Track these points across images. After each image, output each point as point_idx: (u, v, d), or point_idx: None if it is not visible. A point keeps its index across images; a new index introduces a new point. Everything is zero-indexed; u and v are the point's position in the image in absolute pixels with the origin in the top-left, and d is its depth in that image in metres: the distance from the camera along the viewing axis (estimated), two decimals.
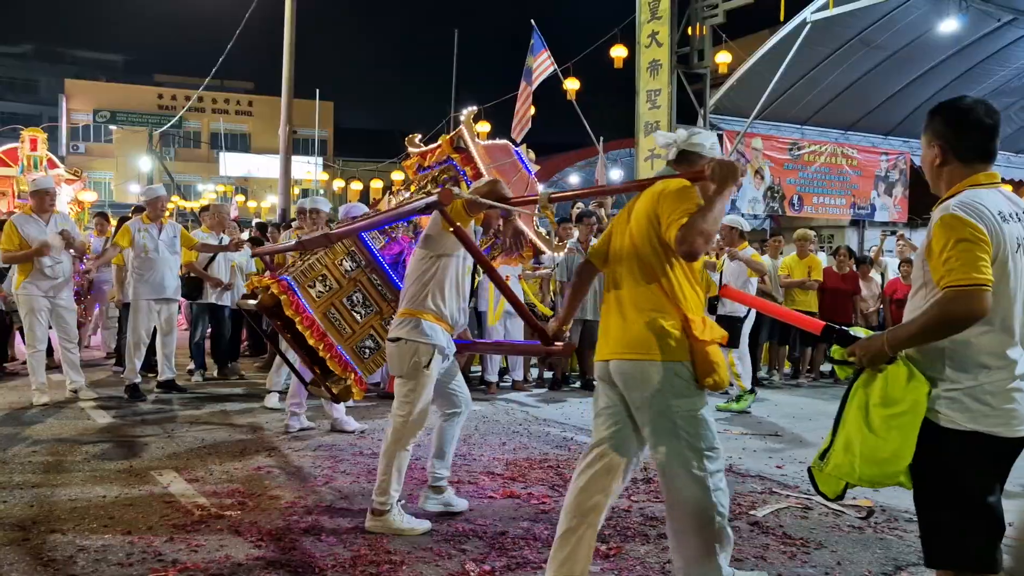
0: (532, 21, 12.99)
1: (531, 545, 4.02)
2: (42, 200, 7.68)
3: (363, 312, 5.05)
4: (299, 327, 4.80)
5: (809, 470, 2.68)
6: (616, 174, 19.33)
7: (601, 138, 16.22)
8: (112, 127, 44.71)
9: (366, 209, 6.39)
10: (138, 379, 7.84)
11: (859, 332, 2.65)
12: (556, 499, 4.79)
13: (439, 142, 5.60)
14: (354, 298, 5.03)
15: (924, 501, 2.51)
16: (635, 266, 3.14)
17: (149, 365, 8.53)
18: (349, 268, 5.05)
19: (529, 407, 7.86)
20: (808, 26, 12.33)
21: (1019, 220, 2.48)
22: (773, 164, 14.65)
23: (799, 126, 15.59)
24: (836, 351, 2.64)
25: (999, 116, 2.56)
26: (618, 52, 12.95)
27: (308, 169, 34.81)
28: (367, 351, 5.02)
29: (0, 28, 73.13)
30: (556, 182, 23.75)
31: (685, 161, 3.29)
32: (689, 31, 12.35)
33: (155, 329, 8.07)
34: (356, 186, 32.18)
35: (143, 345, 7.94)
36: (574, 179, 23.18)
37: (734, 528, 4.29)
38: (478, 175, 5.16)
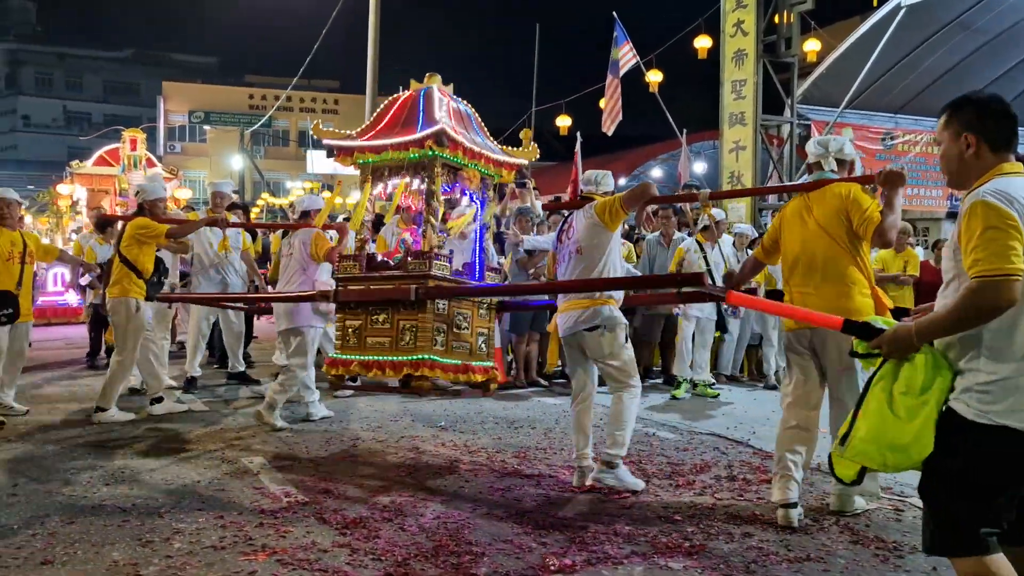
0: (614, 13, 12.89)
1: (612, 540, 3.99)
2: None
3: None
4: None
5: (829, 456, 2.69)
6: (699, 167, 19.00)
7: (684, 130, 15.99)
8: (206, 127, 46.33)
9: (322, 203, 6.89)
10: (198, 372, 8.23)
11: (878, 322, 2.62)
12: (638, 496, 4.75)
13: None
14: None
15: (937, 492, 2.47)
16: (829, 253, 4.27)
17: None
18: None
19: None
20: (903, 10, 11.87)
21: None
22: (864, 155, 14.15)
23: (892, 115, 15.01)
24: (859, 345, 2.63)
25: None
26: (702, 43, 12.72)
27: None
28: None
29: (105, 34, 76.50)
30: (638, 175, 23.50)
31: (842, 167, 4.48)
32: (776, 19, 12.03)
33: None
34: None
35: (204, 340, 8.43)
36: (657, 172, 22.89)
37: (822, 529, 4.18)
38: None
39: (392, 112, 5.75)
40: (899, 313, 9.71)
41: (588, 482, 4.86)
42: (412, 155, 5.44)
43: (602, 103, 13.56)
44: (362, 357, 5.45)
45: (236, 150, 39.32)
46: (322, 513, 4.30)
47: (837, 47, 13.24)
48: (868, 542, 4.01)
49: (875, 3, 10.69)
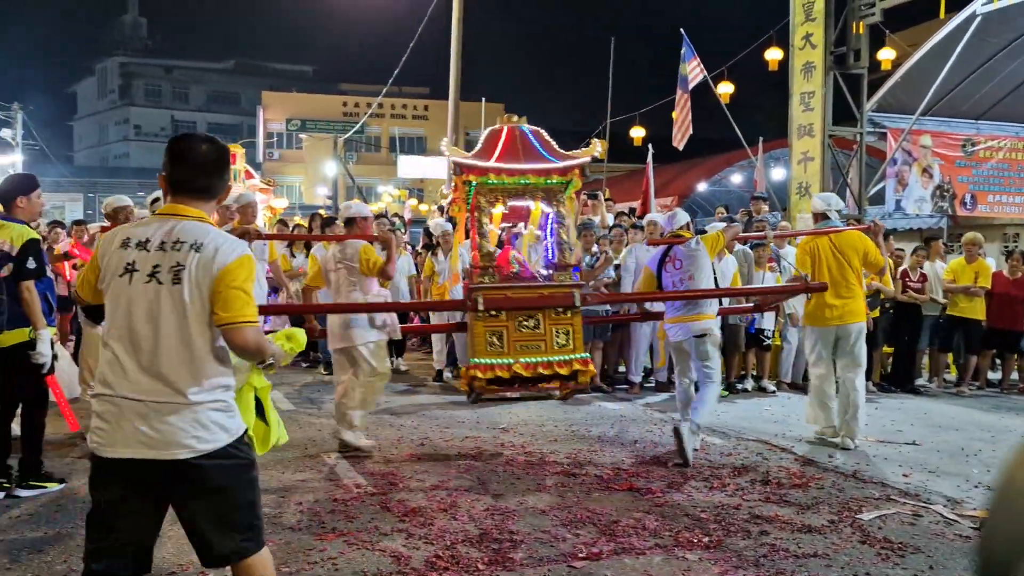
0: (681, 30, 13.21)
1: (639, 534, 4.46)
2: (245, 213, 8.82)
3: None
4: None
5: None
6: (778, 173, 19.01)
7: (761, 138, 16.12)
8: (302, 135, 48.20)
9: (368, 210, 6.87)
10: None
11: None
12: (672, 495, 5.19)
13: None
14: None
15: None
16: (847, 275, 6.64)
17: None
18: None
19: (668, 408, 8.20)
20: (978, 19, 11.79)
21: None
22: (943, 162, 14.02)
23: (973, 121, 14.77)
24: None
25: None
26: (773, 55, 12.91)
27: None
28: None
29: (208, 46, 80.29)
30: (719, 180, 23.60)
31: (840, 216, 7.14)
32: (852, 28, 12.10)
33: None
34: None
35: None
36: (736, 178, 22.95)
37: (835, 530, 4.55)
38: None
39: (503, 144, 6.43)
40: (968, 324, 9.78)
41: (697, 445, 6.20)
42: (548, 181, 6.35)
43: (674, 115, 13.90)
44: (510, 360, 6.19)
45: (330, 156, 40.87)
46: (386, 503, 4.92)
47: (912, 54, 13.19)
48: (875, 542, 4.36)
49: (942, 14, 10.68)
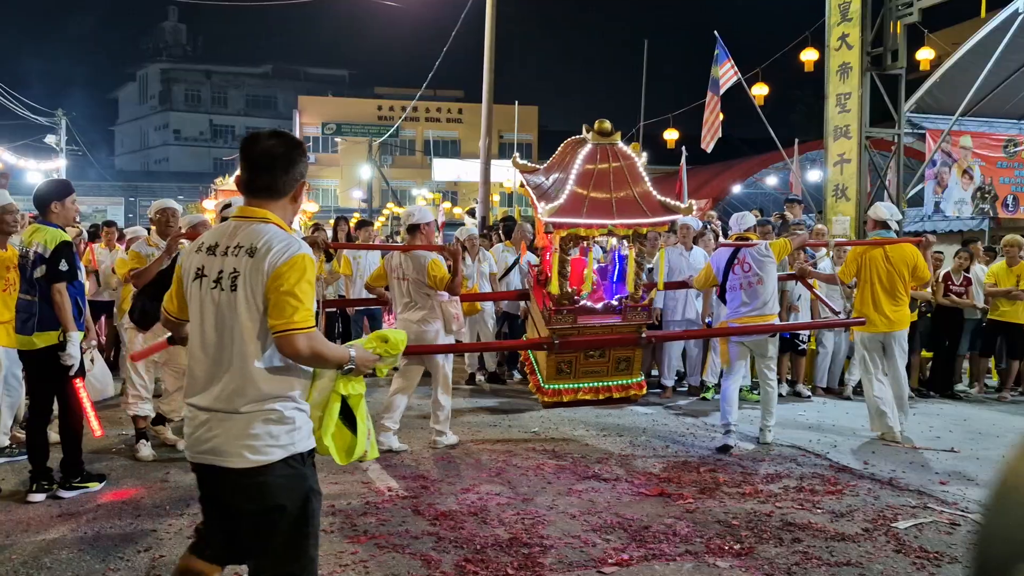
0: (716, 32, 13.12)
1: (670, 540, 4.44)
2: None
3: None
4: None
5: None
6: (814, 175, 18.79)
7: (796, 140, 15.97)
8: (337, 138, 48.65)
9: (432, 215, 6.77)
10: None
11: None
12: (703, 501, 5.16)
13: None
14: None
15: None
16: (897, 285, 7.02)
17: None
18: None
19: (700, 412, 8.15)
20: (1021, 16, 11.58)
21: None
22: (984, 163, 13.78)
23: (1016, 121, 14.50)
24: None
25: None
26: (809, 55, 12.77)
27: (508, 176, 36.15)
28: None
29: (246, 52, 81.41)
30: (753, 182, 23.39)
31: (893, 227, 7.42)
32: (890, 28, 11.93)
33: None
34: None
35: None
36: (771, 180, 22.72)
37: (870, 538, 4.49)
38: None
39: (594, 178, 6.12)
40: (1010, 329, 9.59)
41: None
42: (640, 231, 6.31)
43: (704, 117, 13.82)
44: (576, 385, 6.58)
45: (365, 160, 41.24)
46: (417, 506, 4.95)
47: (952, 54, 12.98)
48: (911, 551, 4.30)
49: (983, 13, 10.48)
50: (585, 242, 6.65)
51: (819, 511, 4.97)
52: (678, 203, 6.41)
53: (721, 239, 9.71)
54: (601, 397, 6.72)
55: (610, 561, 4.13)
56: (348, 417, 2.82)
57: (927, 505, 5.18)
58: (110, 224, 10.48)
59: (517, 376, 9.77)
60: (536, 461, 6.12)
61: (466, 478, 5.63)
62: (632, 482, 5.59)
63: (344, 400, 2.78)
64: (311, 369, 2.69)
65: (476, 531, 4.52)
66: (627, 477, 5.72)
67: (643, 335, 6.43)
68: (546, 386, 6.57)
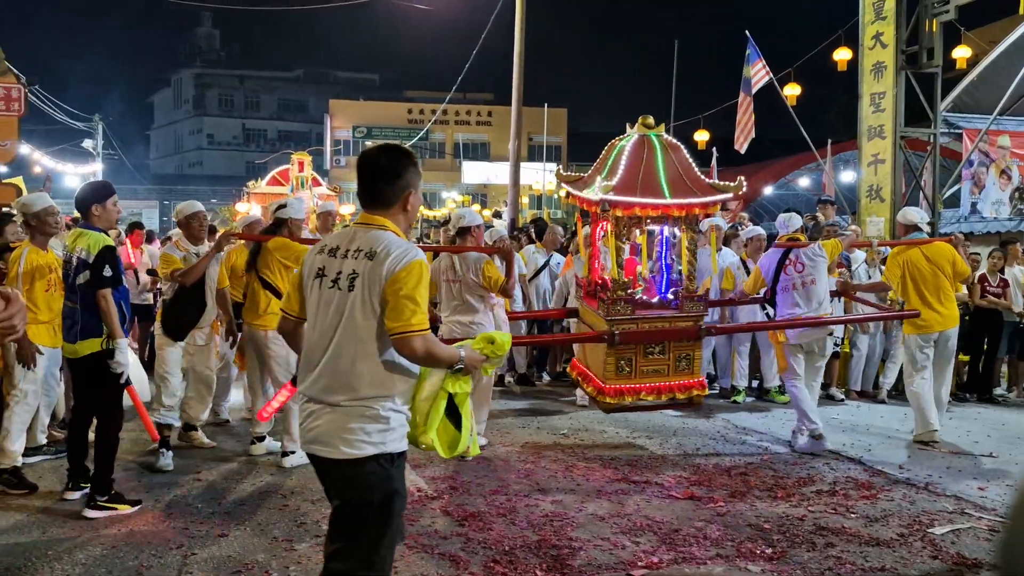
0: (747, 32, 13.00)
1: (700, 543, 4.40)
2: (325, 220, 9.03)
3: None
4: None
5: None
6: (848, 176, 18.53)
7: (829, 140, 15.78)
8: (367, 142, 48.91)
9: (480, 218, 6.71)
10: None
11: None
12: (734, 504, 5.10)
13: None
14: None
15: None
16: (942, 282, 6.97)
17: None
18: None
19: (731, 415, 8.07)
20: None
21: None
22: (1023, 163, 13.52)
23: None
24: None
25: None
26: (842, 55, 12.60)
27: (538, 178, 36.13)
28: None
29: (278, 57, 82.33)
30: (785, 183, 23.15)
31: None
32: (925, 26, 11.74)
33: None
34: None
35: None
36: (803, 181, 22.47)
37: (905, 544, 4.41)
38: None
39: (644, 165, 6.00)
40: None
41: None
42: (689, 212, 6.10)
43: (737, 118, 13.69)
44: (638, 383, 6.15)
45: None
46: (446, 507, 4.95)
47: (989, 52, 12.76)
48: (948, 558, 4.22)
49: (1021, 10, 10.27)
50: (637, 231, 6.42)
51: (853, 515, 4.90)
52: (728, 183, 6.21)
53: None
54: (664, 398, 6.33)
55: (639, 564, 4.10)
56: (453, 414, 2.95)
57: (964, 511, 5.08)
58: (139, 226, 10.62)
59: (546, 378, 9.75)
60: (565, 463, 6.10)
61: (495, 479, 5.62)
62: (662, 485, 5.54)
63: (451, 398, 2.91)
64: (415, 373, 2.84)
65: (505, 532, 4.51)
66: (657, 480, 5.68)
67: (703, 327, 6.22)
68: (608, 384, 6.16)
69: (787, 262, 6.77)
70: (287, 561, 4.11)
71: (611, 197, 5.71)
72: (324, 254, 2.85)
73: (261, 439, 6.24)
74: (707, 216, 7.39)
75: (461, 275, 6.26)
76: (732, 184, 6.13)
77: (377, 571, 2.71)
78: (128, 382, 5.04)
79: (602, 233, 6.33)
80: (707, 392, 6.59)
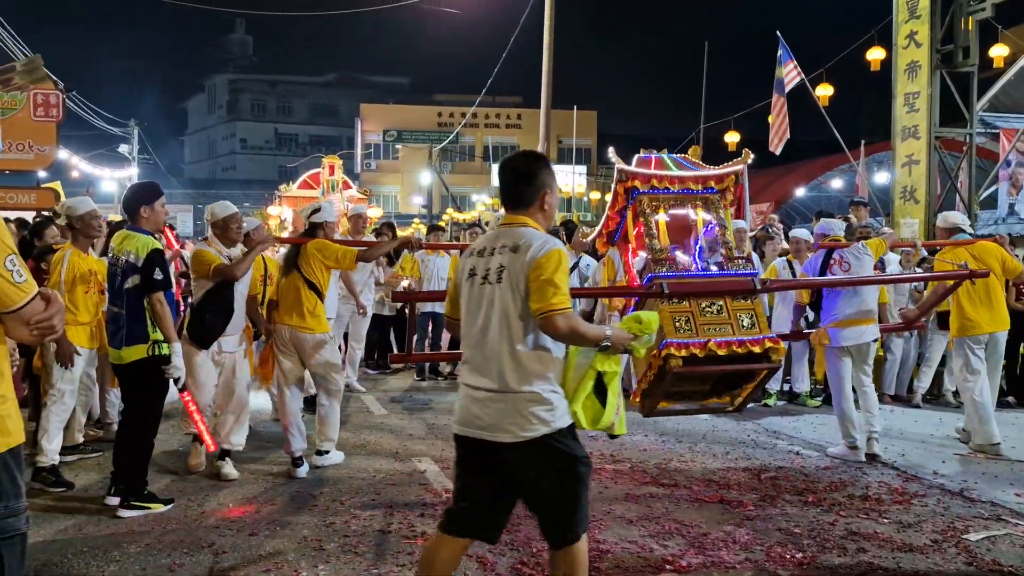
0: (778, 33, 12.90)
1: (729, 547, 4.37)
2: (356, 223, 9.10)
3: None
4: None
5: None
6: (881, 177, 18.30)
7: (863, 141, 15.59)
8: (398, 145, 49.19)
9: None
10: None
11: None
12: (764, 508, 5.06)
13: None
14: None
15: None
16: (990, 282, 6.70)
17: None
18: None
19: (761, 419, 8.00)
20: None
21: None
22: None
23: None
24: None
25: None
26: (875, 55, 12.46)
27: (567, 181, 36.03)
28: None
29: (309, 62, 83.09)
30: (817, 185, 22.91)
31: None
32: (961, 25, 11.57)
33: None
34: None
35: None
36: (836, 183, 22.22)
37: (939, 550, 4.34)
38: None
39: (654, 164, 6.01)
40: None
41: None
42: (706, 189, 5.92)
43: (770, 119, 13.58)
44: (703, 339, 5.56)
45: (425, 166, 41.60)
46: None
47: None
48: (983, 564, 4.15)
49: None
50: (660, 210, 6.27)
51: (885, 521, 4.83)
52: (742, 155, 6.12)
53: (783, 244, 9.53)
54: (738, 350, 5.62)
55: (668, 567, 4.08)
56: (600, 392, 3.10)
57: (1001, 517, 4.99)
58: (171, 228, 10.75)
59: None
60: (594, 465, 6.05)
61: None
62: (691, 488, 5.51)
63: (599, 376, 3.06)
64: (564, 353, 3.06)
65: (532, 534, 4.50)
66: (686, 483, 5.64)
67: (757, 281, 5.71)
68: (668, 340, 5.54)
69: (831, 262, 6.68)
70: (316, 560, 4.14)
71: (629, 168, 5.80)
72: (473, 256, 3.13)
73: (324, 452, 6.04)
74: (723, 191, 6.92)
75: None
76: (740, 158, 6.05)
77: (582, 524, 3.06)
78: (184, 387, 5.03)
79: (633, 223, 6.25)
80: (782, 348, 5.71)
